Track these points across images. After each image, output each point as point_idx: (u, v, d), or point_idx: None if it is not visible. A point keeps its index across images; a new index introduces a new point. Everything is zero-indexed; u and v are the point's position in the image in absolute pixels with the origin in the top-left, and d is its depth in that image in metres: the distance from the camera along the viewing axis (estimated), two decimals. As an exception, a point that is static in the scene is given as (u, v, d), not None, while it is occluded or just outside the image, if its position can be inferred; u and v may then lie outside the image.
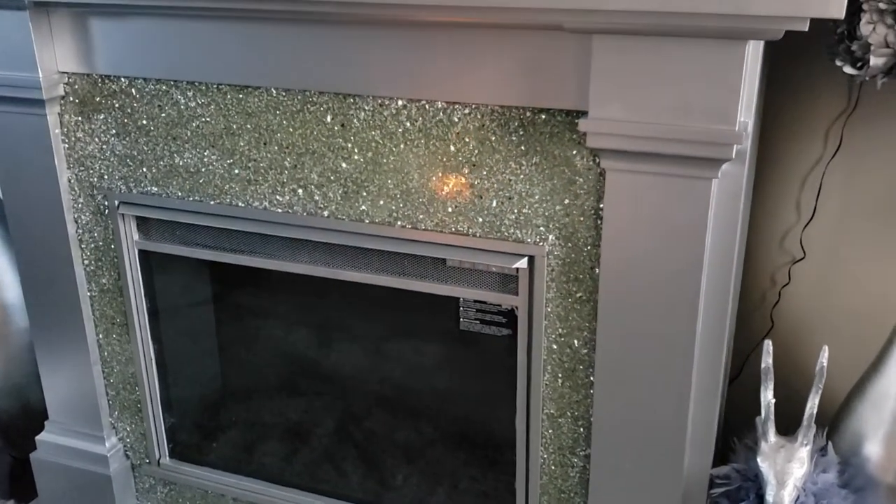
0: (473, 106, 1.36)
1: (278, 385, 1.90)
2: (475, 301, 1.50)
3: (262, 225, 1.59)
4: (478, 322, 1.52)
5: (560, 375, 1.47)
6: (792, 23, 1.04)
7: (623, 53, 1.18)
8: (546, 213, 1.37)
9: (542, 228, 1.39)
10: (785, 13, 1.03)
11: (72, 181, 1.74)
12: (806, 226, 1.69)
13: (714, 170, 1.21)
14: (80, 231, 1.79)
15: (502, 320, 1.50)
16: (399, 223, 1.48)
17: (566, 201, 1.35)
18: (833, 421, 1.55)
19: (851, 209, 1.65)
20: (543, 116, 1.32)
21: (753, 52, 1.15)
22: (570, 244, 1.38)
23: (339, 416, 1.84)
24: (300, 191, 1.54)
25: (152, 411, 1.91)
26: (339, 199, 1.51)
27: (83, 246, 1.80)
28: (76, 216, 1.77)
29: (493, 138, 1.36)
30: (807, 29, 1.04)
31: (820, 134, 1.62)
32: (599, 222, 1.34)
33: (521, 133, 1.34)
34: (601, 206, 1.33)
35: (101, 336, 1.88)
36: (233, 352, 1.91)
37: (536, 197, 1.37)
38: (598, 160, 1.30)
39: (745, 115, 1.19)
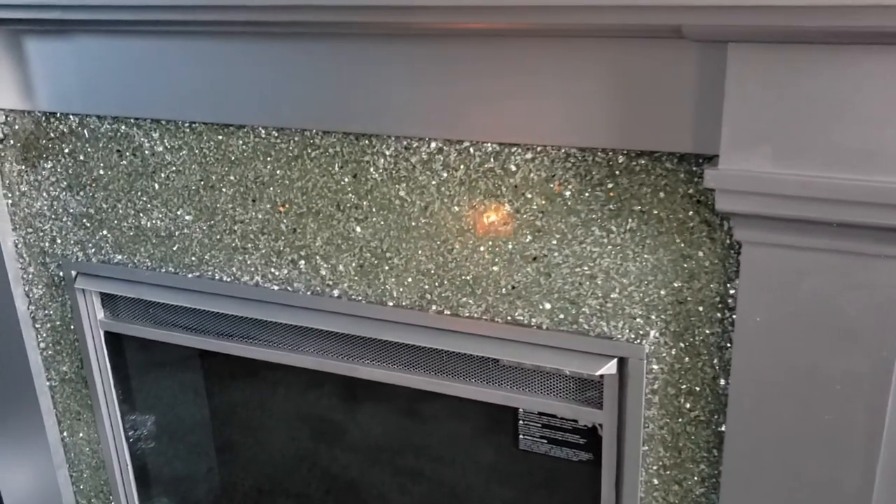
0: (539, 149, 0.95)
1: (288, 494, 1.50)
2: (540, 414, 1.09)
3: (253, 306, 1.20)
4: (544, 441, 1.10)
5: (664, 520, 1.05)
6: None
7: (778, 71, 0.77)
8: (647, 301, 0.96)
9: (639, 321, 0.97)
10: None
11: (19, 246, 1.37)
12: None
13: (920, 246, 0.79)
14: (33, 308, 1.41)
15: (579, 441, 1.08)
16: (434, 308, 1.08)
17: (677, 284, 0.94)
18: None
19: None
20: (644, 163, 0.91)
21: None
22: (682, 344, 0.96)
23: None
24: (302, 263, 1.14)
25: (132, 526, 1.52)
26: (352, 273, 1.11)
27: (38, 326, 1.42)
28: (27, 289, 1.40)
29: (568, 194, 0.95)
30: None
31: None
32: (729, 315, 0.92)
33: (611, 186, 0.93)
34: (731, 291, 0.91)
35: (65, 434, 1.50)
36: (233, 454, 1.52)
37: (632, 277, 0.95)
38: (729, 228, 0.88)
39: (974, 161, 0.76)
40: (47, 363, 1.45)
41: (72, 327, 1.39)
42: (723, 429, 0.97)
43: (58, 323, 1.40)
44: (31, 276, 1.38)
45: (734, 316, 0.91)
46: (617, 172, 0.92)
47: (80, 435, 1.48)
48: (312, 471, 1.43)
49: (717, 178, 0.83)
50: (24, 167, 1.30)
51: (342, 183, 1.07)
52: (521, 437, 1.12)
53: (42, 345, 1.44)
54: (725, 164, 0.82)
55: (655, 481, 1.04)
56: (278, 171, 1.11)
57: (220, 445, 1.51)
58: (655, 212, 0.92)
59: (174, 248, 1.23)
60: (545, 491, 1.17)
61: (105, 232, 1.28)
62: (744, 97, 0.79)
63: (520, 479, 1.18)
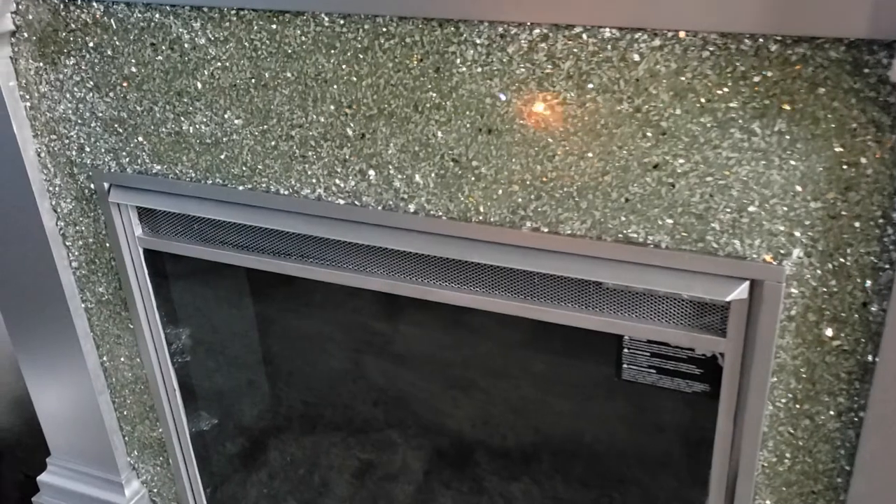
0: (670, 35, 0.79)
1: (346, 417, 1.41)
2: (650, 342, 0.97)
3: (316, 223, 1.06)
4: (653, 371, 0.99)
5: (788, 456, 0.94)
6: None
7: None
8: (792, 215, 0.82)
9: (781, 238, 0.83)
10: None
11: (42, 155, 1.23)
12: None
13: None
14: (62, 224, 1.28)
15: (695, 371, 0.96)
16: (529, 224, 0.94)
17: (830, 196, 0.80)
18: None
19: None
20: (803, 51, 0.75)
21: None
22: (830, 265, 0.83)
23: (430, 465, 1.35)
24: (372, 173, 1.00)
25: (181, 450, 1.44)
26: (432, 186, 0.97)
27: (68, 243, 1.30)
28: (54, 203, 1.27)
29: (702, 88, 0.80)
30: None
31: None
32: (892, 232, 0.79)
33: (757, 80, 0.78)
34: (900, 205, 0.77)
35: (105, 359, 1.39)
36: (286, 374, 1.42)
37: (776, 187, 0.81)
38: (910, 129, 0.74)
39: None
40: (81, 284, 1.33)
41: (107, 245, 1.26)
42: (870, 359, 0.85)
43: (91, 240, 1.27)
44: (57, 188, 1.24)
45: (901, 233, 0.77)
46: (766, 63, 0.77)
47: (122, 359, 1.38)
48: (388, 385, 1.33)
49: (909, 69, 0.67)
50: (42, 64, 1.14)
51: (421, 79, 0.92)
52: (624, 366, 1.00)
53: (74, 264, 1.31)
54: (922, 51, 0.67)
55: (782, 415, 0.92)
56: (344, 67, 0.95)
57: (275, 365, 1.41)
58: (811, 110, 0.77)
59: (221, 157, 1.09)
60: (652, 424, 1.06)
61: (140, 139, 1.13)
62: (958, -36, 0.63)
63: (623, 412, 1.08)
